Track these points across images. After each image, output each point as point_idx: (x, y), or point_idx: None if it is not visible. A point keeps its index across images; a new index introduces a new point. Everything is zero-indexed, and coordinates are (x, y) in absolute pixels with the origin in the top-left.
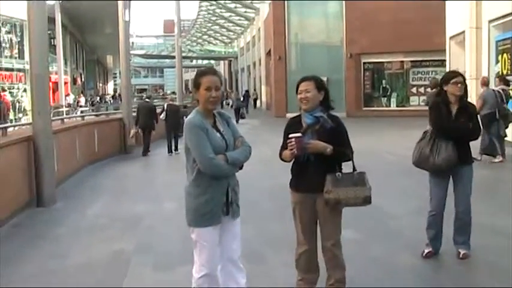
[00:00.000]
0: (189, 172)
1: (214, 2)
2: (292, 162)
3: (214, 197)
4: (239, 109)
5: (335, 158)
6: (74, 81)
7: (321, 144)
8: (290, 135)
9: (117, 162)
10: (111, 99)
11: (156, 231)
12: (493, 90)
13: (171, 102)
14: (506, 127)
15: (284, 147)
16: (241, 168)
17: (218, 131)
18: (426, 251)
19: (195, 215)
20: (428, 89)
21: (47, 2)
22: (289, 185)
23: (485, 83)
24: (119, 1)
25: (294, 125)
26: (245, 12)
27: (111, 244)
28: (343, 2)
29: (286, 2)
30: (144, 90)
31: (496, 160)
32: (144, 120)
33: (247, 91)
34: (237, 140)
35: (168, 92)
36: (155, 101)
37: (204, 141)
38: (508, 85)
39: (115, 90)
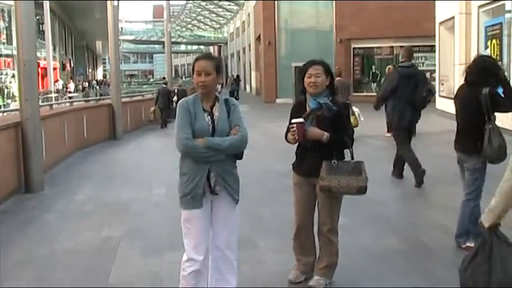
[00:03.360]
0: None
1: None
2: (296, 145)
3: (194, 179)
4: (233, 92)
5: (332, 145)
6: (63, 67)
7: (317, 131)
8: (292, 121)
9: (107, 148)
10: (97, 85)
11: (145, 217)
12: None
13: (179, 87)
14: None
15: (288, 130)
16: (239, 158)
17: (211, 115)
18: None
19: (180, 196)
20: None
21: None
22: (292, 166)
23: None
24: None
25: (299, 108)
26: None
27: (99, 230)
28: None
29: None
30: (134, 75)
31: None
32: (162, 100)
33: (238, 76)
34: (234, 129)
35: (158, 77)
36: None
37: (184, 122)
38: None
39: (104, 76)
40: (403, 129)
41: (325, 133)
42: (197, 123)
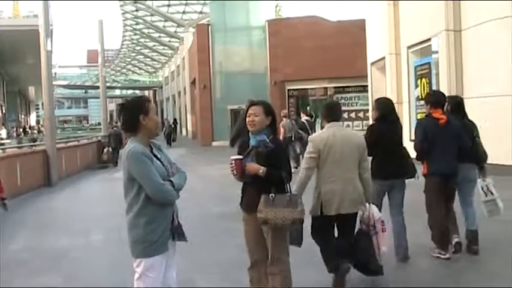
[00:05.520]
0: (132, 203)
1: (138, 32)
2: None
3: (162, 225)
4: (170, 134)
5: (270, 179)
6: None
7: (255, 166)
8: (231, 157)
9: (42, 196)
10: (21, 132)
11: (83, 263)
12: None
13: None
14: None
15: None
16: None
17: (157, 158)
18: None
19: (144, 245)
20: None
21: None
22: (239, 204)
23: (286, 115)
24: (40, 30)
25: (243, 146)
26: (169, 41)
27: (35, 277)
28: (266, 30)
29: (210, 30)
30: (69, 121)
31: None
32: (113, 141)
33: (175, 119)
34: (173, 167)
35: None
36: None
37: (152, 168)
38: (312, 117)
39: (37, 122)
40: None
41: (262, 167)
42: (157, 169)
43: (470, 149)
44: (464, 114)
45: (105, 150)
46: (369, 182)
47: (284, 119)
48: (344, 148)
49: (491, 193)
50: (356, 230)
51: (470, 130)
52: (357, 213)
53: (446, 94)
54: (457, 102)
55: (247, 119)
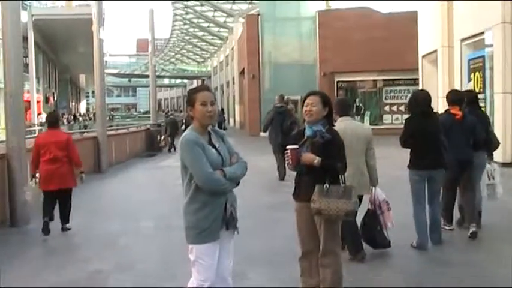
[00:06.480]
0: (186, 190)
1: (187, 21)
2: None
3: (213, 212)
4: (221, 123)
5: (324, 170)
6: (47, 100)
7: (310, 155)
8: (287, 147)
9: (91, 181)
10: (72, 119)
11: (134, 250)
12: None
13: (187, 117)
14: None
15: None
16: (237, 184)
17: (214, 147)
18: None
19: (194, 231)
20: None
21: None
22: (292, 194)
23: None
24: (93, 19)
25: (298, 135)
26: (218, 31)
27: (87, 264)
28: (316, 21)
29: (259, 21)
30: (117, 109)
31: None
32: (170, 129)
33: (222, 109)
34: (233, 156)
35: (141, 110)
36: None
37: (202, 157)
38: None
39: (87, 109)
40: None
41: (317, 157)
42: (209, 157)
43: (485, 139)
44: (479, 108)
45: (162, 137)
46: (374, 168)
47: None
48: (353, 139)
49: (493, 178)
50: (365, 210)
51: (485, 121)
52: (362, 196)
53: (499, 88)
54: (473, 97)
55: (305, 109)
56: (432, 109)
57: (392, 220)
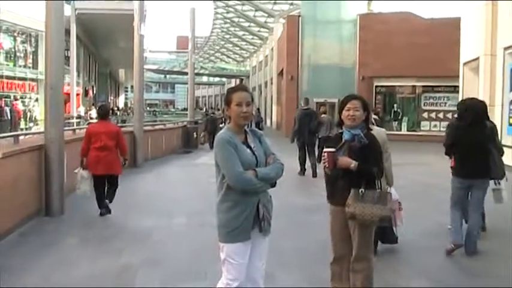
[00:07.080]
0: (219, 188)
1: (228, 20)
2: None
3: (244, 212)
4: (259, 123)
5: (360, 174)
6: (86, 93)
7: (346, 159)
8: (324, 150)
9: (127, 175)
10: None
11: (165, 246)
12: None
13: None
14: None
15: None
16: (273, 185)
17: (249, 147)
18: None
19: (225, 230)
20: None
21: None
22: (327, 197)
23: (325, 111)
24: (134, 15)
25: (336, 139)
26: (259, 31)
27: (118, 256)
28: (357, 24)
29: (300, 22)
30: (155, 105)
31: None
32: (211, 126)
33: (258, 109)
34: (269, 157)
35: (179, 107)
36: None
37: (233, 156)
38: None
39: (125, 104)
40: None
41: (354, 162)
42: (242, 157)
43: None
44: (488, 118)
45: (202, 133)
46: (389, 170)
47: (324, 115)
48: None
49: (499, 183)
50: None
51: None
52: None
53: None
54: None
55: (347, 113)
56: (486, 117)
57: (402, 219)
